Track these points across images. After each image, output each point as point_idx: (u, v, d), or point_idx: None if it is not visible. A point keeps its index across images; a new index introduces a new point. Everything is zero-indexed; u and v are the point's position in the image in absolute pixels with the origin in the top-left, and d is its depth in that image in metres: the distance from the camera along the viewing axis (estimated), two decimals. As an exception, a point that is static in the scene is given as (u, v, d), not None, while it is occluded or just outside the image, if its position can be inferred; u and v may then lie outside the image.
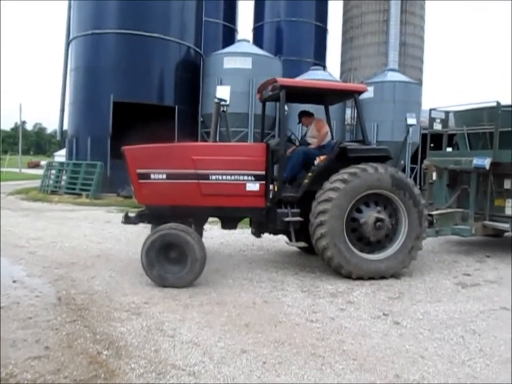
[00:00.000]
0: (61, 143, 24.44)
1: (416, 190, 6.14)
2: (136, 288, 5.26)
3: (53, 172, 18.96)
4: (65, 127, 20.34)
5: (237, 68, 17.90)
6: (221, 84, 16.87)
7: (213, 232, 9.01)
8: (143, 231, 8.59)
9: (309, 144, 6.73)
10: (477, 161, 7.36)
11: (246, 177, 5.86)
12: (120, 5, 17.32)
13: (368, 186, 5.86)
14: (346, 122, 21.64)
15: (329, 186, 5.79)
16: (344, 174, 5.81)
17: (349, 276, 5.83)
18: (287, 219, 5.90)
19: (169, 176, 5.77)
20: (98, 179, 16.41)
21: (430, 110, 8.84)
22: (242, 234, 8.82)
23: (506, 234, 8.66)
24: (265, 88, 6.76)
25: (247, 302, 4.88)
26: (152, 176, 5.75)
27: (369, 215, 5.91)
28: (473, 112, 8.40)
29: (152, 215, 6.05)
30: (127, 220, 6.10)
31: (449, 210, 7.81)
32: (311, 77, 19.74)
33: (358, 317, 4.52)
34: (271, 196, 6.04)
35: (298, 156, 6.40)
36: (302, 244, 6.09)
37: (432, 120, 8.73)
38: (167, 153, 5.94)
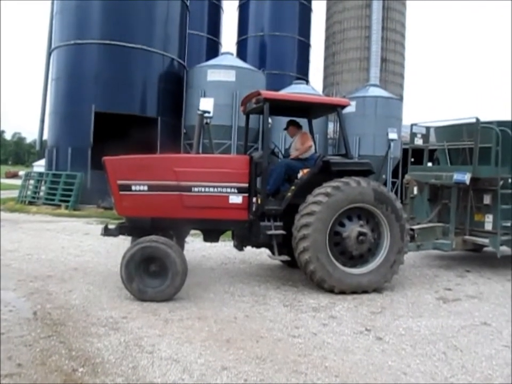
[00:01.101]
0: (40, 153, 24.01)
1: (398, 204, 6.16)
2: (115, 303, 5.13)
3: (31, 182, 18.59)
4: (45, 137, 20.01)
5: (221, 81, 17.92)
6: (205, 96, 16.89)
7: (195, 245, 8.89)
8: (123, 243, 8.45)
9: (287, 156, 6.73)
10: (457, 176, 7.40)
11: (229, 190, 5.79)
12: (103, 16, 17.22)
13: (351, 200, 5.87)
14: (328, 136, 21.83)
15: (312, 199, 5.78)
16: (327, 187, 5.81)
17: (331, 290, 5.80)
18: (270, 232, 5.86)
19: (150, 188, 5.67)
20: (78, 190, 16.16)
21: (412, 125, 8.88)
22: (225, 247, 8.72)
23: (485, 249, 8.77)
24: (249, 101, 6.74)
25: (228, 316, 4.79)
26: (133, 187, 5.65)
27: (352, 229, 5.91)
28: (453, 128, 8.48)
29: (132, 227, 5.93)
30: (107, 232, 5.96)
31: (430, 224, 7.85)
32: (294, 91, 19.89)
33: (341, 332, 4.47)
34: (254, 209, 5.98)
35: (281, 168, 6.39)
36: (285, 258, 6.05)
37: (413, 135, 8.77)
38: (148, 164, 5.85)
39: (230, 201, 5.80)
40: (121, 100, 17.31)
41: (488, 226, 7.64)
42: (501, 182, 7.41)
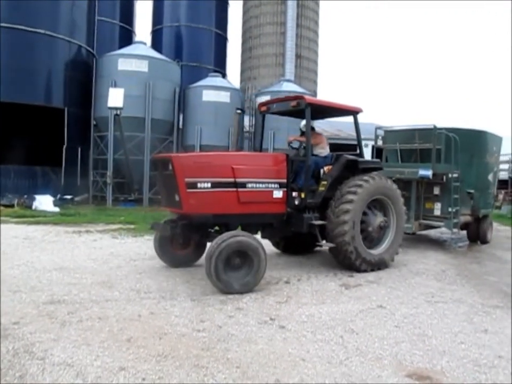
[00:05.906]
0: None
1: (402, 199, 7.62)
2: (7, 307, 4.73)
3: None
4: None
5: (132, 71, 17.26)
6: (115, 86, 16.19)
7: (103, 242, 8.52)
8: (22, 243, 7.89)
9: (314, 154, 7.35)
10: (422, 171, 8.86)
11: (273, 185, 6.39)
12: (0, -4, 15.82)
13: (376, 192, 7.06)
14: (245, 130, 21.98)
15: (348, 189, 6.74)
16: (359, 181, 6.85)
17: (357, 268, 6.82)
18: (316, 222, 6.64)
19: (213, 185, 5.90)
20: (-26, 186, 14.78)
21: (376, 128, 10.43)
22: (135, 243, 8.46)
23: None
24: (275, 103, 7.46)
25: (132, 315, 4.63)
26: (198, 185, 5.81)
27: (376, 217, 7.17)
28: (406, 132, 10.11)
29: (195, 224, 6.18)
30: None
31: None
32: (209, 83, 19.79)
33: (246, 323, 4.52)
34: (297, 203, 6.63)
35: (311, 164, 6.90)
36: (330, 245, 6.73)
37: (377, 137, 10.38)
38: (211, 162, 6.07)
39: (274, 196, 6.39)
40: (23, 88, 16.07)
41: (437, 212, 9.45)
42: (446, 177, 9.11)
